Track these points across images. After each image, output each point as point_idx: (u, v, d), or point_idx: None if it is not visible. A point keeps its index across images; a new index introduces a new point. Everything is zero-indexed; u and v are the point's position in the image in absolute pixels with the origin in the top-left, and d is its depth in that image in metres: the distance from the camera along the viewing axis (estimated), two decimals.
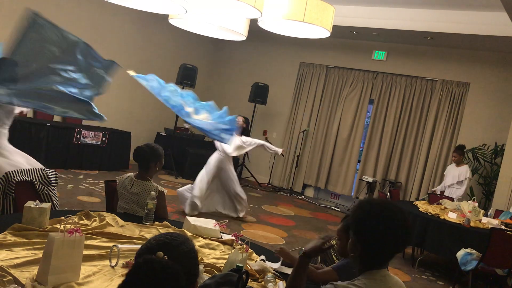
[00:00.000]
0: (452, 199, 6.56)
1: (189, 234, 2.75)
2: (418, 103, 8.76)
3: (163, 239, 1.41)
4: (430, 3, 7.13)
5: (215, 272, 2.26)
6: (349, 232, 1.75)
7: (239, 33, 4.38)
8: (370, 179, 8.69)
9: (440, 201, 6.36)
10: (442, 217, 5.57)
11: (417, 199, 7.66)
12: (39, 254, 2.03)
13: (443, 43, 8.18)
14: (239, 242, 2.68)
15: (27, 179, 2.99)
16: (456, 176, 6.92)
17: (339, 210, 8.85)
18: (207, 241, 2.73)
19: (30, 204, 2.37)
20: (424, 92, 8.73)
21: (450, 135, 8.35)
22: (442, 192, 7.18)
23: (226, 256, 2.49)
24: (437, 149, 8.38)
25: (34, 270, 1.91)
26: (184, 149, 9.30)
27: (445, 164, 8.20)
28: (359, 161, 9.28)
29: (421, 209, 5.91)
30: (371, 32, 8.41)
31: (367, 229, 1.66)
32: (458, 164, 6.98)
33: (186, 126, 5.26)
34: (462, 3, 6.84)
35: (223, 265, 2.32)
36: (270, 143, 6.96)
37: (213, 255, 2.54)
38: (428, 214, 5.69)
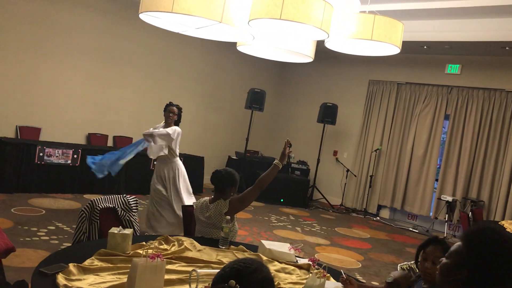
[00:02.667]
0: None
1: (264, 258, 2.75)
2: (498, 116, 8.27)
3: (236, 267, 1.41)
4: (504, 11, 6.78)
5: None
6: (451, 256, 1.60)
7: (306, 55, 4.40)
8: (450, 198, 8.26)
9: None
10: None
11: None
12: (124, 278, 2.12)
13: None
14: (316, 266, 2.64)
15: (110, 206, 3.15)
16: None
17: (417, 231, 8.48)
18: (283, 265, 2.71)
19: (114, 230, 2.48)
20: (505, 104, 8.24)
21: None
22: None
23: (303, 281, 2.46)
24: None
25: None
26: (255, 172, 9.39)
27: None
28: (436, 180, 8.88)
29: (508, 230, 5.52)
30: (443, 45, 8.12)
31: (481, 257, 1.51)
32: None
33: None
34: None
35: None
36: None
37: (290, 280, 2.52)
38: None
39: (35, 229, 5.11)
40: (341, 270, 2.65)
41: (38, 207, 6.03)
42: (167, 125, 5.45)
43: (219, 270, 1.46)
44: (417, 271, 2.70)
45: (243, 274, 1.38)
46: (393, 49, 3.84)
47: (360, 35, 3.62)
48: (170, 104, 5.59)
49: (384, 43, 3.64)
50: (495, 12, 6.89)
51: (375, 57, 7.38)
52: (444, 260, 1.62)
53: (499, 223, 6.03)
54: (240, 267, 1.40)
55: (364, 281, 4.98)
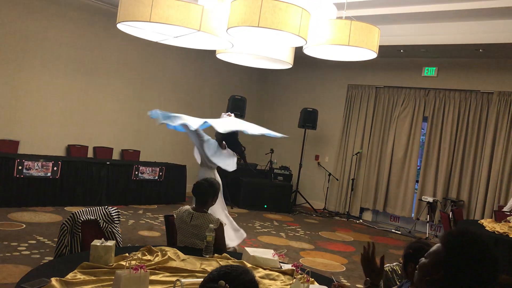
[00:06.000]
0: None
1: (248, 265, 2.76)
2: (475, 117, 8.44)
3: (224, 270, 1.44)
4: (477, 15, 6.94)
5: None
6: (431, 253, 1.62)
7: (285, 62, 4.44)
8: (431, 199, 8.38)
9: (508, 218, 6.03)
10: (511, 236, 5.27)
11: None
12: None
13: (496, 54, 7.90)
14: (300, 271, 2.66)
15: (92, 218, 3.12)
16: None
17: (400, 232, 8.58)
18: (267, 271, 2.72)
19: (96, 242, 2.46)
20: (481, 105, 8.41)
21: None
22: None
23: (287, 287, 2.47)
24: (500, 163, 8.00)
25: None
26: (237, 179, 9.39)
27: (510, 178, 7.81)
28: (417, 181, 9.00)
29: (487, 228, 5.62)
30: (419, 49, 8.27)
31: (461, 261, 1.52)
32: None
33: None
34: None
35: None
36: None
37: (274, 286, 2.53)
38: (496, 232, 5.40)
39: (16, 244, 5.02)
40: (332, 277, 2.66)
41: (18, 222, 5.93)
42: None
43: (204, 277, 1.47)
44: (400, 272, 2.74)
45: (231, 275, 1.41)
46: (370, 54, 3.90)
47: (337, 41, 3.67)
48: None
49: (361, 48, 3.70)
50: (469, 16, 7.04)
51: (353, 61, 7.44)
52: (423, 259, 1.64)
53: (478, 221, 6.14)
54: (228, 270, 1.44)
55: (349, 284, 5.02)
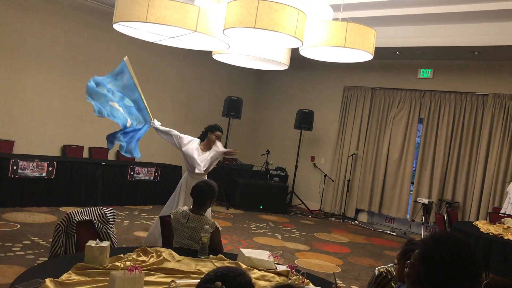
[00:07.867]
0: None
1: (244, 266, 2.76)
2: (470, 119, 8.47)
3: (221, 271, 1.45)
4: (473, 17, 6.96)
5: None
6: (412, 262, 1.61)
7: (281, 63, 4.45)
8: (426, 201, 8.40)
9: (503, 220, 6.05)
10: (506, 237, 5.28)
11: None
12: None
13: (491, 57, 7.94)
14: (295, 273, 2.66)
15: (87, 218, 3.11)
16: None
17: (395, 234, 8.59)
18: (262, 273, 2.72)
19: (91, 243, 2.46)
20: (476, 107, 8.44)
21: (507, 150, 7.98)
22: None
23: None
24: (494, 165, 8.03)
25: None
26: (233, 180, 9.40)
27: (504, 181, 7.84)
28: (412, 182, 9.03)
29: (482, 230, 5.64)
30: (414, 51, 8.29)
31: (436, 270, 1.52)
32: None
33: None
34: (508, 14, 6.64)
35: None
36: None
37: (269, 287, 2.53)
38: (490, 234, 5.42)
39: (10, 244, 5.00)
40: (334, 274, 2.66)
41: (12, 222, 5.90)
42: (209, 145, 5.14)
43: (201, 278, 1.48)
44: (395, 274, 2.74)
45: (228, 276, 1.42)
46: (366, 56, 3.91)
47: (333, 43, 3.68)
48: (220, 130, 5.18)
49: (357, 50, 3.71)
50: (464, 18, 7.07)
51: (350, 63, 7.46)
52: (407, 269, 1.63)
53: (473, 223, 6.16)
54: (225, 271, 1.45)
55: (344, 285, 5.03)
